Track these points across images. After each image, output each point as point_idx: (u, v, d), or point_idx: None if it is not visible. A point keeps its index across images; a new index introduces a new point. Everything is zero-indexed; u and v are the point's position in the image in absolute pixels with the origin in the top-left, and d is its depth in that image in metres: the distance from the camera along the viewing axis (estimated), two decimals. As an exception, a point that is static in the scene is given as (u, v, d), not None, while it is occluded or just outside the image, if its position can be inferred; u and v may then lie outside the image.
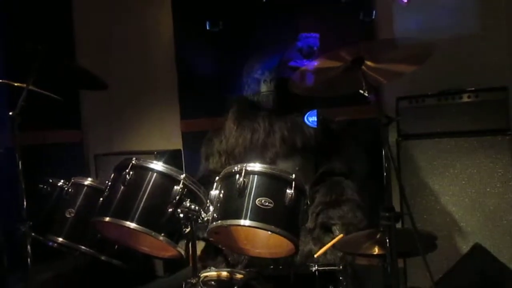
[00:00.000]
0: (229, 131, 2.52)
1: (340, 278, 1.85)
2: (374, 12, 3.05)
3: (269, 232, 1.61)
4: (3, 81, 2.02)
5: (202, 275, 1.81)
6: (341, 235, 2.09)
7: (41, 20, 3.26)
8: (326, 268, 1.87)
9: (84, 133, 3.69)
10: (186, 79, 3.62)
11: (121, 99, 3.73)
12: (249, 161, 2.39)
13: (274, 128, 2.44)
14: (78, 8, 3.66)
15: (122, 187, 1.74)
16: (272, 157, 2.44)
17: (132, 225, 1.67)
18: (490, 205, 2.45)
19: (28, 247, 1.83)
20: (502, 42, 2.74)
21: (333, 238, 2.17)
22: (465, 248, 2.46)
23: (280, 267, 1.92)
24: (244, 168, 1.65)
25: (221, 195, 1.70)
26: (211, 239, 1.77)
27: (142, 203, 1.71)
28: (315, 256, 1.96)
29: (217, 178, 1.76)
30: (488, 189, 2.46)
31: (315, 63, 1.76)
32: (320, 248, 2.14)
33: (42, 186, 2.17)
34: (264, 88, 2.50)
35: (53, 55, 1.93)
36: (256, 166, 1.68)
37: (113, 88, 2.28)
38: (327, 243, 2.16)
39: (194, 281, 1.70)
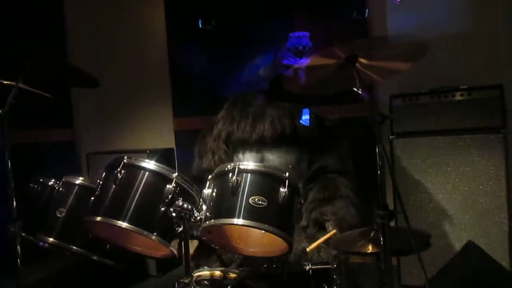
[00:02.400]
0: (220, 117, 2.51)
1: (334, 276, 1.85)
2: (367, 10, 3.05)
3: (263, 231, 1.60)
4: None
5: (195, 274, 1.80)
6: (334, 231, 2.08)
7: (32, 18, 3.22)
8: (320, 266, 1.86)
9: (76, 131, 3.66)
10: (178, 78, 3.60)
11: (114, 97, 3.70)
12: (235, 142, 2.39)
13: (265, 112, 2.41)
14: (70, 5, 3.63)
15: (113, 186, 1.73)
16: (258, 140, 2.40)
17: (124, 224, 1.66)
18: (483, 202, 2.46)
19: (18, 247, 1.80)
20: (496, 40, 2.74)
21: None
22: (458, 245, 2.47)
23: (274, 265, 1.90)
24: (237, 166, 1.64)
25: (214, 193, 1.69)
26: (204, 238, 1.76)
27: (134, 202, 1.69)
28: (308, 250, 1.95)
29: (209, 176, 1.75)
30: (481, 187, 2.47)
31: (309, 61, 1.75)
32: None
33: (32, 185, 2.15)
34: (263, 70, 2.50)
35: (44, 53, 1.90)
36: (249, 165, 1.66)
37: (105, 86, 2.25)
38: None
39: (187, 280, 1.69)
